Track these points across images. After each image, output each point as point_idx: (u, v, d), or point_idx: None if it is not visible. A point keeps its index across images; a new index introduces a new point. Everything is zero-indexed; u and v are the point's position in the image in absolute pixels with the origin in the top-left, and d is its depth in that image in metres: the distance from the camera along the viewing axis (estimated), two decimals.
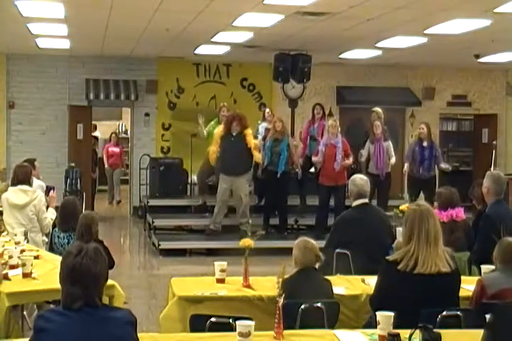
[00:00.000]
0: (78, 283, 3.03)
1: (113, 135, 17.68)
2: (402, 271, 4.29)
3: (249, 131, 11.23)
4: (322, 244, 6.05)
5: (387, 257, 4.44)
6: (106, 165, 17.24)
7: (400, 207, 7.18)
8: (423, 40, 11.94)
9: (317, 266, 4.93)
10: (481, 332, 3.44)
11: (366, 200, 6.58)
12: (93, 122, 16.41)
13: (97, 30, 11.79)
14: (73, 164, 14.42)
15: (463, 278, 4.77)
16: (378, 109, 12.14)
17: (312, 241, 4.95)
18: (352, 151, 11.57)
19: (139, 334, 3.17)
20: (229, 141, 11.08)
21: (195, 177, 13.17)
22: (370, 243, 6.12)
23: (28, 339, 3.22)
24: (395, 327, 3.76)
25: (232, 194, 11.15)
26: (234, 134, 11.10)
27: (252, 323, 3.72)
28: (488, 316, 3.63)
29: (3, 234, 7.16)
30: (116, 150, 17.22)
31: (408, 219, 4.44)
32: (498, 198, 6.35)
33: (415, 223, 4.38)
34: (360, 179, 6.67)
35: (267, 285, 5.08)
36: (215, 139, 11.37)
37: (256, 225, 10.98)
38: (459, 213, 6.46)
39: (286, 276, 4.28)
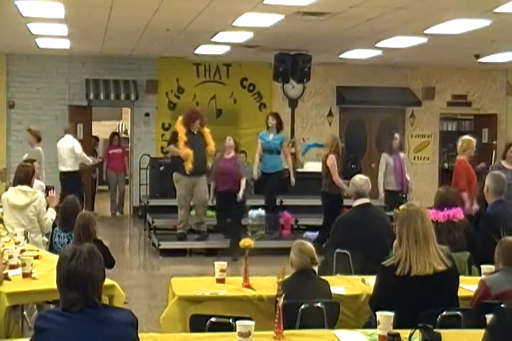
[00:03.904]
0: (76, 287, 3.01)
1: (115, 137, 16.07)
2: (400, 275, 4.31)
3: (207, 130, 10.84)
4: None
5: (383, 262, 4.44)
6: (108, 171, 15.78)
7: (400, 207, 7.17)
8: (423, 40, 11.94)
9: (315, 268, 4.94)
10: (481, 332, 3.44)
11: (367, 200, 6.58)
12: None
13: (97, 30, 11.80)
14: None
15: (463, 278, 4.78)
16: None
17: (308, 243, 4.96)
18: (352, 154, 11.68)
19: (139, 334, 3.17)
20: (191, 140, 10.55)
21: None
22: (370, 243, 6.13)
23: (28, 339, 3.22)
24: (395, 327, 3.76)
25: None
26: (195, 132, 10.66)
27: (252, 323, 3.72)
28: (488, 316, 3.62)
29: (3, 233, 7.17)
30: (118, 151, 15.74)
31: (398, 222, 4.49)
32: (498, 198, 6.35)
33: (403, 224, 4.43)
34: (359, 178, 6.68)
35: (267, 285, 5.08)
36: (182, 141, 10.59)
37: (256, 225, 10.99)
38: (457, 214, 6.44)
39: (285, 277, 4.28)
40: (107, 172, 16.01)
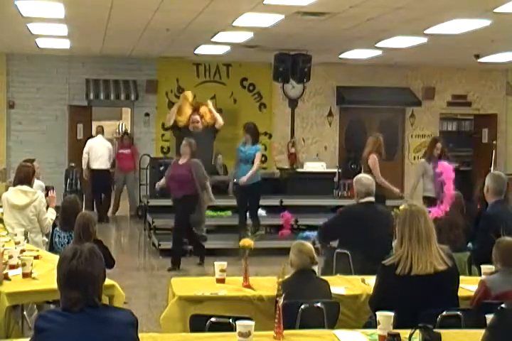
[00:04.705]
0: (76, 287, 3.02)
1: (125, 136, 15.53)
2: (401, 274, 4.31)
3: (205, 108, 11.06)
4: None
5: (383, 261, 4.44)
6: (116, 171, 15.24)
7: (400, 207, 7.16)
8: (423, 40, 11.94)
9: (315, 267, 4.94)
10: (481, 332, 3.44)
11: (372, 199, 6.55)
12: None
13: (97, 30, 11.80)
14: (73, 164, 14.43)
15: (463, 278, 4.78)
16: None
17: (308, 244, 4.96)
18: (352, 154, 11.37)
19: (139, 335, 3.17)
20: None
21: None
22: (370, 243, 6.12)
23: (28, 339, 3.22)
24: (395, 327, 3.76)
25: None
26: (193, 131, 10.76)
27: (252, 323, 3.72)
28: (488, 316, 3.62)
29: (3, 233, 7.18)
30: (127, 152, 15.14)
31: (400, 221, 4.47)
32: (498, 198, 6.35)
33: (406, 223, 4.42)
34: (366, 179, 6.62)
35: (267, 285, 5.08)
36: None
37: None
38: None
39: (285, 277, 4.28)
40: (115, 171, 15.88)
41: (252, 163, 10.79)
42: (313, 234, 11.19)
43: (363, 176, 6.77)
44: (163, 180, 10.41)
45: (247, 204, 10.97)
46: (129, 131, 16.64)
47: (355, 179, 6.71)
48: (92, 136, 15.26)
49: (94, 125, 16.36)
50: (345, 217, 6.53)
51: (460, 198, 6.76)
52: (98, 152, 14.17)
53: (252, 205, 11.03)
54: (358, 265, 6.03)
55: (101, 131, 14.80)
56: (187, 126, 11.11)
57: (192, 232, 10.37)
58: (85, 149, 14.24)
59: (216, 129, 11.24)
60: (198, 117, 11.12)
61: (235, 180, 11.03)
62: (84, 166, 14.21)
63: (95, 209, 14.47)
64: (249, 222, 10.99)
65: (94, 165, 14.19)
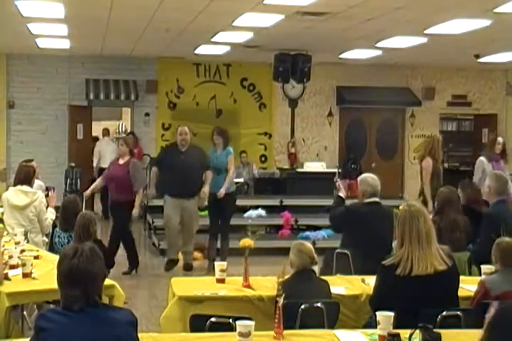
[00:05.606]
0: (76, 285, 3.02)
1: (129, 136, 14.87)
2: (401, 275, 4.31)
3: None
4: None
5: (383, 262, 4.44)
6: None
7: (400, 207, 7.15)
8: (423, 40, 11.94)
9: (315, 267, 4.94)
10: (481, 332, 3.43)
11: (377, 199, 6.53)
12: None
13: (96, 30, 11.80)
14: (73, 164, 14.45)
15: (463, 278, 4.78)
16: None
17: (307, 244, 4.97)
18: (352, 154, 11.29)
19: (139, 334, 3.17)
20: (177, 160, 9.48)
21: None
22: (371, 242, 6.10)
23: (28, 339, 3.22)
24: (395, 327, 3.76)
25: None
26: (183, 150, 9.55)
27: (252, 323, 3.72)
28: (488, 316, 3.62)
29: (4, 233, 7.17)
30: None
31: (399, 221, 4.47)
32: (500, 197, 6.35)
33: (406, 224, 4.41)
34: (372, 179, 6.55)
35: (267, 285, 5.08)
36: None
37: (256, 225, 10.99)
38: None
39: (285, 277, 4.28)
40: None
41: (226, 171, 9.61)
42: (314, 234, 11.22)
43: (369, 176, 6.66)
44: (98, 181, 9.67)
45: (219, 219, 9.83)
46: (129, 131, 16.55)
47: (360, 179, 6.60)
48: (97, 138, 15.50)
49: (94, 125, 16.42)
50: (350, 216, 6.51)
51: (455, 196, 6.73)
52: (107, 152, 14.64)
53: (225, 221, 9.83)
54: (358, 264, 6.03)
55: (107, 133, 15.49)
56: (175, 143, 9.86)
57: (128, 238, 9.71)
58: (96, 148, 14.90)
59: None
60: (186, 129, 9.65)
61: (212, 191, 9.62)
62: (94, 163, 14.67)
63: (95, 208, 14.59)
64: (250, 222, 10.98)
65: (103, 164, 14.40)
